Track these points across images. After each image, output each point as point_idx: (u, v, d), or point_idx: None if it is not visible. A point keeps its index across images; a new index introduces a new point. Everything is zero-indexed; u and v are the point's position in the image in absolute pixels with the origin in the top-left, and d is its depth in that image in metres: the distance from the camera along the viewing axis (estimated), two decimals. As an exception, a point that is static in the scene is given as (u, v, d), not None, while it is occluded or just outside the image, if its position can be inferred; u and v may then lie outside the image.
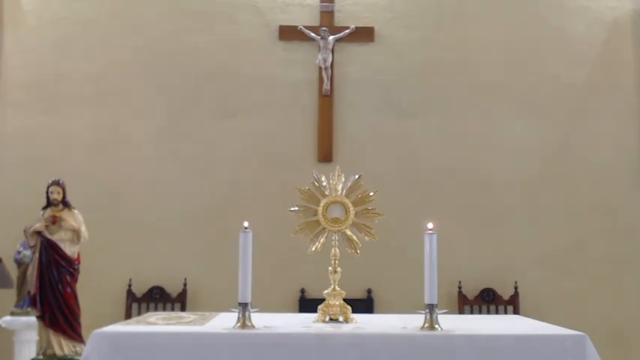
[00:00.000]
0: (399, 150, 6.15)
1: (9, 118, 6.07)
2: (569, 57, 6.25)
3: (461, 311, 5.87)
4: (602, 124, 6.19)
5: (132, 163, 6.06)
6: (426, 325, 3.12)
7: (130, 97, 6.13)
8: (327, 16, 6.20)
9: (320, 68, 6.11)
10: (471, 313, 5.92)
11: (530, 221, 6.07)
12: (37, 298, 5.09)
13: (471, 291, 6.00)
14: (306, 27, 6.15)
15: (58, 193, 5.24)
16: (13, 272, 5.27)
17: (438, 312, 3.14)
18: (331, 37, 6.10)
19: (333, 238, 3.42)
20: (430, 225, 3.22)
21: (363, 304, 5.77)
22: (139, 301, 5.93)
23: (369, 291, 5.95)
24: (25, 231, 5.21)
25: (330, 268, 3.43)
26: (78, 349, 5.10)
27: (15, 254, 5.21)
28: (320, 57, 6.08)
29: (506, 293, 5.98)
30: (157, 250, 5.96)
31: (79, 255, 5.28)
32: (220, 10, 6.21)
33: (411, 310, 3.44)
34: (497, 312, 5.91)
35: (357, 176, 3.48)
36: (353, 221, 3.42)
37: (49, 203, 5.25)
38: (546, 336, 3.12)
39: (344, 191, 3.45)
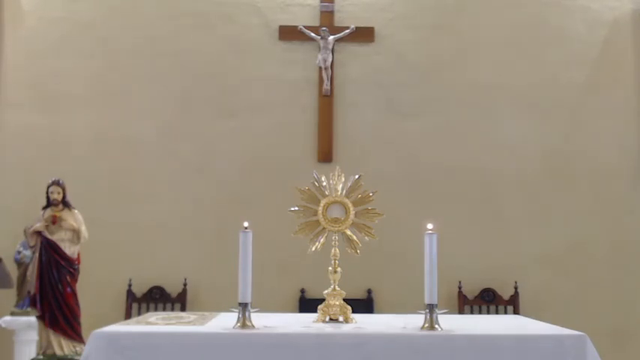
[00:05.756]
0: (399, 150, 6.15)
1: (9, 118, 6.06)
2: (569, 57, 6.25)
3: (461, 311, 5.87)
4: (602, 124, 6.18)
5: (132, 163, 6.06)
6: (426, 325, 3.12)
7: (129, 97, 6.13)
8: (327, 16, 6.20)
9: (320, 68, 6.11)
10: (471, 313, 5.92)
11: (530, 221, 6.07)
12: (37, 298, 5.10)
13: (471, 291, 5.99)
14: (306, 27, 6.14)
15: (58, 193, 5.24)
16: (13, 272, 5.26)
17: (438, 312, 3.14)
18: (331, 37, 6.10)
19: (333, 238, 3.42)
20: (430, 225, 3.22)
21: (363, 304, 5.77)
22: (139, 301, 5.93)
23: (369, 291, 5.94)
24: (25, 231, 5.22)
25: (330, 268, 3.44)
26: (78, 349, 5.10)
27: (15, 254, 5.21)
28: (320, 57, 6.08)
29: (506, 293, 5.98)
30: (157, 250, 5.96)
31: (79, 255, 5.28)
32: (220, 10, 6.21)
33: (411, 310, 3.45)
34: (497, 312, 5.90)
35: (357, 176, 3.48)
36: (353, 221, 3.42)
37: (49, 203, 5.25)
38: (546, 336, 3.12)
39: (344, 191, 3.45)
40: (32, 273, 5.14)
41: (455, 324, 3.26)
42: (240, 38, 6.20)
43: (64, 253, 5.18)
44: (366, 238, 3.43)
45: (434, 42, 6.25)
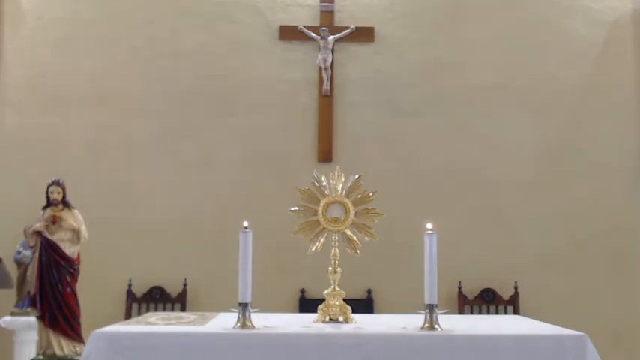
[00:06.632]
0: (399, 150, 6.15)
1: (9, 118, 6.06)
2: (569, 57, 6.25)
3: (461, 311, 5.87)
4: (602, 124, 6.18)
5: (132, 162, 6.06)
6: (426, 325, 3.12)
7: (129, 97, 6.13)
8: (327, 16, 6.20)
9: (320, 68, 6.11)
10: (471, 313, 5.92)
11: (530, 221, 6.07)
12: (37, 298, 5.10)
13: (471, 291, 5.99)
14: (306, 27, 6.14)
15: (58, 193, 5.24)
16: (13, 272, 5.26)
17: (438, 312, 3.14)
18: (331, 37, 6.10)
19: (333, 238, 3.42)
20: (430, 225, 3.22)
21: (363, 304, 5.77)
22: (139, 301, 5.93)
23: (369, 291, 5.94)
24: (25, 231, 5.22)
25: (330, 268, 3.44)
26: (78, 349, 5.10)
27: (15, 254, 5.20)
28: (320, 57, 6.08)
29: (506, 293, 5.98)
30: (157, 250, 5.95)
31: (79, 255, 5.28)
32: (220, 10, 6.21)
33: (411, 310, 3.45)
34: (497, 312, 5.90)
35: (357, 176, 3.48)
36: (353, 221, 3.42)
37: (49, 203, 5.25)
38: (546, 336, 3.12)
39: (344, 191, 3.45)
40: (32, 273, 5.13)
41: (455, 324, 3.26)
42: (240, 38, 6.20)
43: (64, 253, 5.18)
44: (366, 238, 3.43)
45: (434, 42, 6.25)
